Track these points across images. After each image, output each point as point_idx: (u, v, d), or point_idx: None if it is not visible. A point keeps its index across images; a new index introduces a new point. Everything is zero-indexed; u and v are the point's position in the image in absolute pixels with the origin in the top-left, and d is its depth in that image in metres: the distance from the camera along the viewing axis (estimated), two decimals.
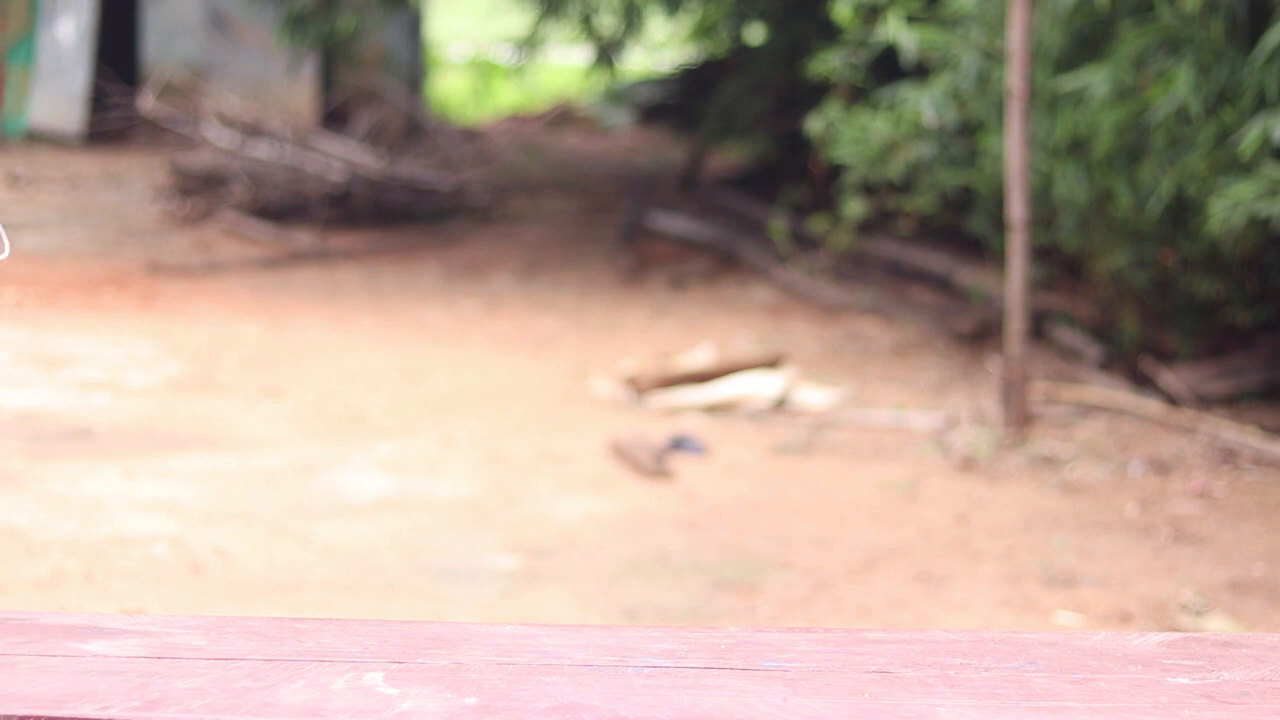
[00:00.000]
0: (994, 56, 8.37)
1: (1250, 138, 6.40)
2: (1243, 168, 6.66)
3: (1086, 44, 7.82)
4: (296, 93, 16.75)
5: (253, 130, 13.36)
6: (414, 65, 17.19)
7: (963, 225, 9.94)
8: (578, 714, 1.77)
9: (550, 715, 1.76)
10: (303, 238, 12.31)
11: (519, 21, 13.86)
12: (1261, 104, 6.63)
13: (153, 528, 5.65)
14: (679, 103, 15.32)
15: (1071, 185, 7.77)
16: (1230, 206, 6.51)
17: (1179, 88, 6.87)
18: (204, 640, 2.02)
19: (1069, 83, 7.51)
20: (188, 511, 5.86)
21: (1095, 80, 7.33)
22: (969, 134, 9.05)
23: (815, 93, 11.23)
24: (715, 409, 7.75)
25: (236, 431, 6.99)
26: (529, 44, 13.09)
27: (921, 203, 9.91)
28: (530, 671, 1.92)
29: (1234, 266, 7.65)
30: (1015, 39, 7.18)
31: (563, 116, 18.54)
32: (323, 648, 2.00)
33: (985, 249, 9.66)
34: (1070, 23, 7.73)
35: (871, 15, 9.75)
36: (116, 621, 2.12)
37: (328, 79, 17.25)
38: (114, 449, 6.67)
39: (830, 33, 10.68)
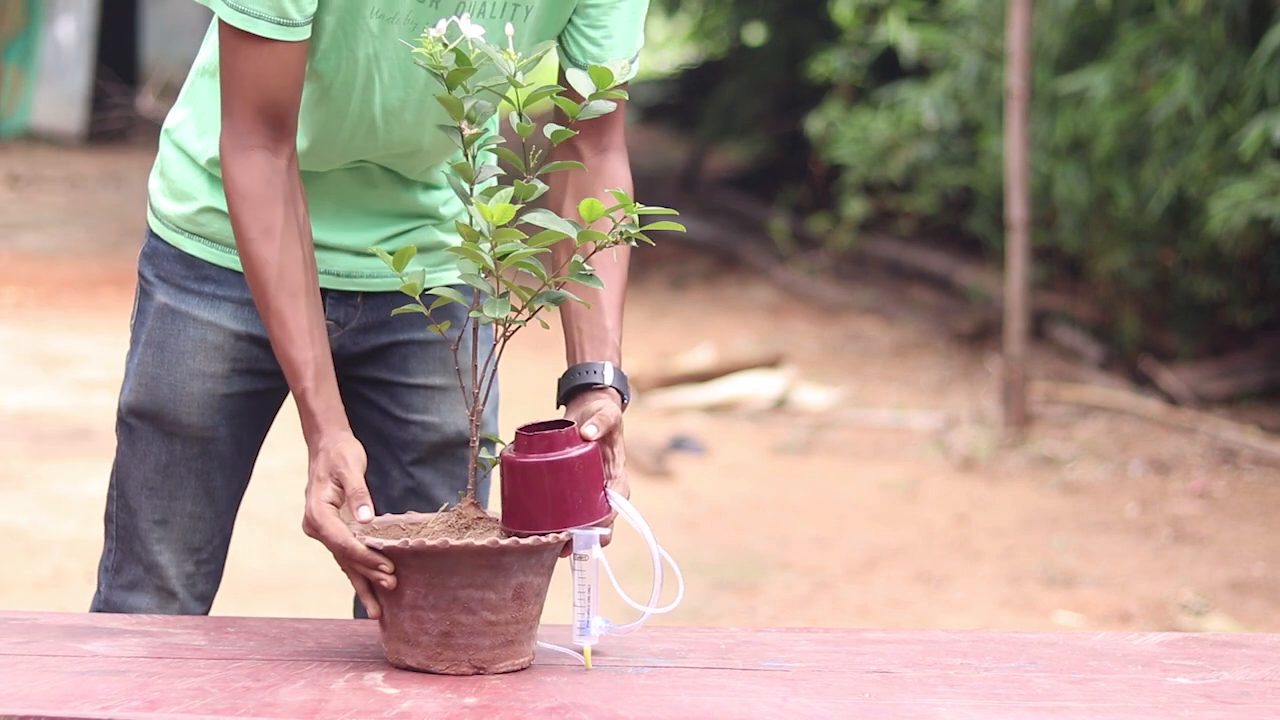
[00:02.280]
0: (994, 57, 8.37)
1: (1251, 138, 6.39)
2: (1243, 168, 6.66)
3: (1087, 44, 7.82)
4: None
5: None
6: None
7: (963, 225, 9.94)
8: (577, 714, 1.77)
9: (550, 715, 1.76)
10: None
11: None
12: (1262, 104, 6.63)
13: None
14: (679, 103, 15.32)
15: (1072, 185, 7.76)
16: (1231, 206, 6.50)
17: (1179, 88, 6.86)
18: (204, 640, 2.02)
19: (1070, 84, 7.50)
20: None
21: (1096, 81, 7.33)
22: (969, 134, 9.05)
23: (815, 93, 11.23)
24: (715, 409, 7.75)
25: None
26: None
27: (922, 203, 9.91)
28: (530, 671, 1.92)
29: (1234, 266, 7.65)
30: (1015, 39, 7.18)
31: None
32: (323, 648, 2.00)
33: (985, 249, 9.66)
34: (1071, 23, 7.72)
35: (872, 15, 9.75)
36: (116, 621, 2.12)
37: None
38: (114, 449, 6.66)
39: (830, 33, 10.68)
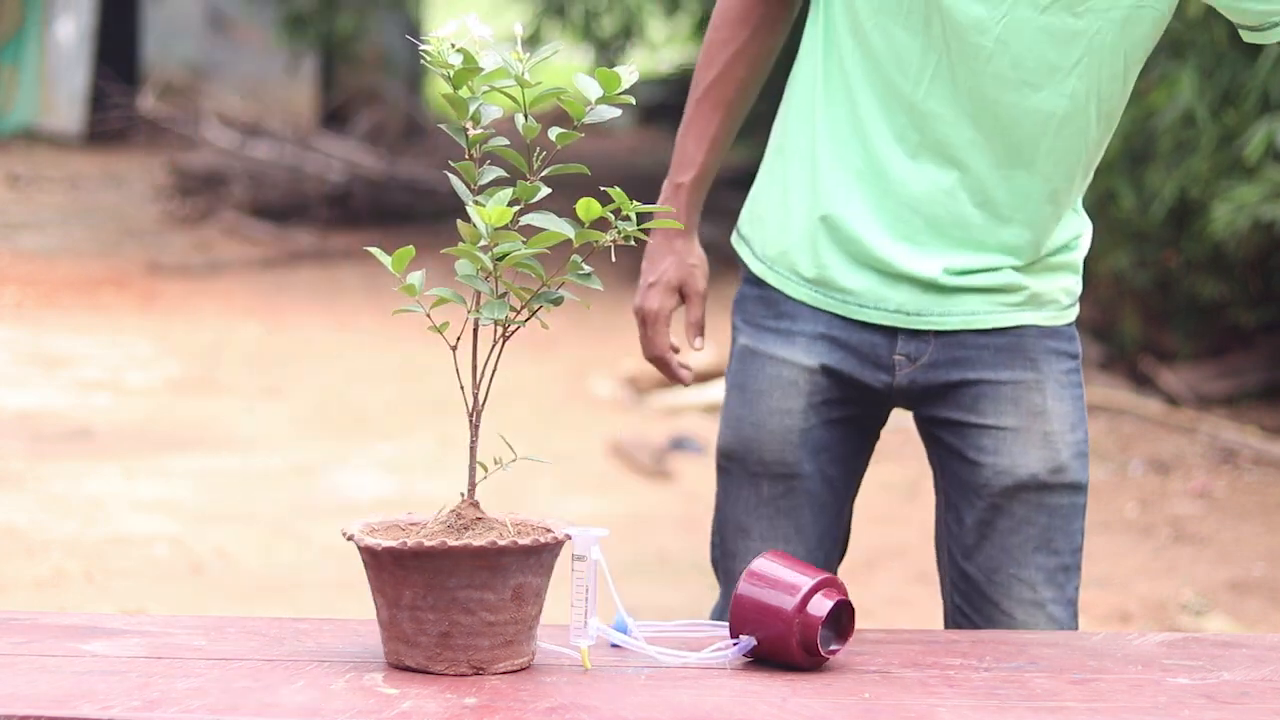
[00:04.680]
0: None
1: (1255, 143, 6.38)
2: (1245, 170, 6.66)
3: None
4: (296, 93, 16.75)
5: (253, 130, 13.36)
6: (414, 65, 17.20)
7: None
8: (577, 714, 1.77)
9: (550, 715, 1.76)
10: (303, 238, 12.30)
11: (519, 20, 13.84)
12: (1265, 107, 6.62)
13: (153, 528, 5.65)
14: (679, 103, 15.32)
15: None
16: (1235, 210, 6.49)
17: (1182, 90, 6.85)
18: (204, 640, 2.02)
19: None
20: (188, 511, 5.85)
21: None
22: None
23: None
24: (715, 409, 7.75)
25: (236, 431, 6.98)
26: (529, 44, 13.09)
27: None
28: (530, 671, 1.92)
29: (1237, 268, 7.64)
30: None
31: (563, 116, 18.47)
32: (323, 648, 2.00)
33: None
34: None
35: None
36: (116, 621, 2.11)
37: (328, 79, 17.24)
38: (114, 449, 6.67)
39: None
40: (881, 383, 2.35)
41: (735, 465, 2.38)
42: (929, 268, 2.29)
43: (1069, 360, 2.37)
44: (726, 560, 2.38)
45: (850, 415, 2.37)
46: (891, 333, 2.33)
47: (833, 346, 2.33)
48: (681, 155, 2.36)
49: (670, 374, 2.39)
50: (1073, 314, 2.39)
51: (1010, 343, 2.34)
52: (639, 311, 2.38)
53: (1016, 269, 2.32)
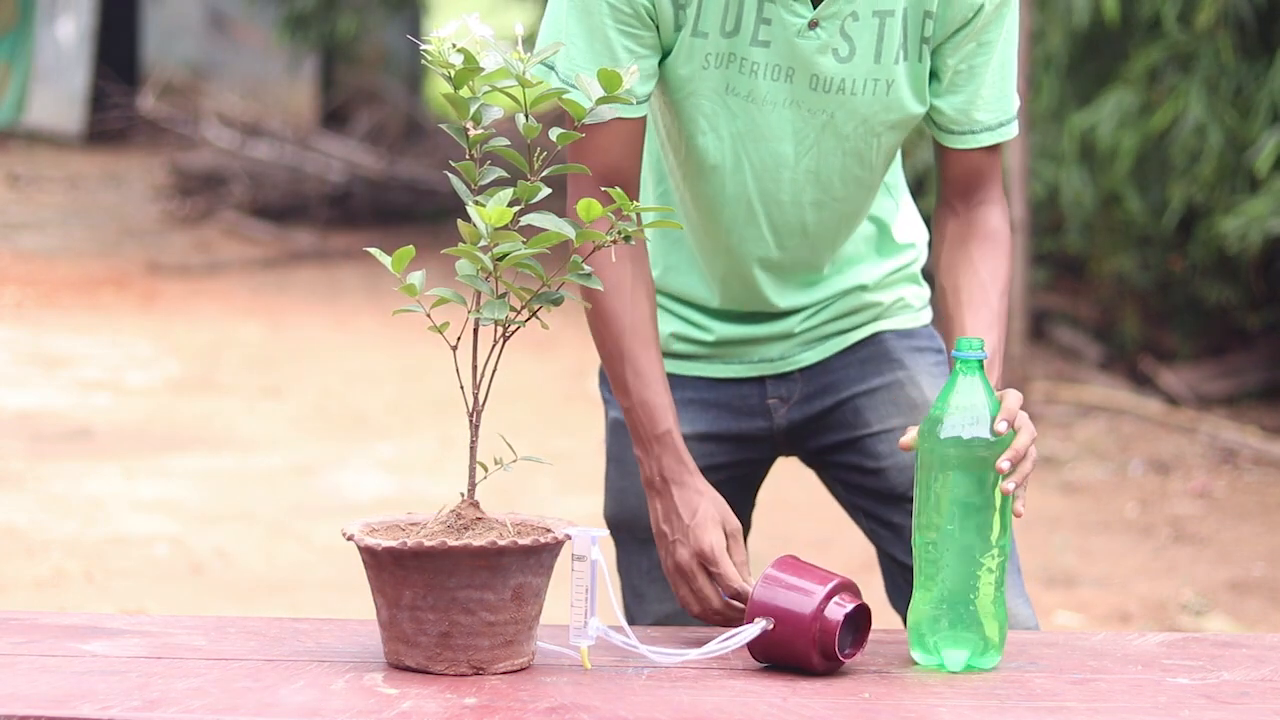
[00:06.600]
0: None
1: (1265, 154, 6.36)
2: (1251, 176, 6.65)
3: (1092, 47, 7.80)
4: (296, 93, 16.75)
5: (253, 130, 13.35)
6: (414, 65, 17.20)
7: None
8: (577, 714, 1.77)
9: (550, 715, 1.76)
10: (303, 238, 12.30)
11: (520, 20, 13.83)
12: (1276, 117, 6.60)
13: (153, 528, 5.65)
14: None
15: (1078, 190, 7.74)
16: (1246, 224, 6.46)
17: (1192, 104, 6.83)
18: (204, 640, 2.02)
19: (1083, 120, 7.42)
20: (188, 511, 5.85)
21: (1107, 109, 7.26)
22: None
23: None
24: None
25: (236, 431, 6.98)
26: (530, 44, 13.07)
27: (923, 205, 9.90)
28: (530, 671, 1.92)
29: (1242, 272, 7.63)
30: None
31: (564, 116, 18.46)
32: (323, 648, 2.00)
33: None
34: (1076, 32, 7.70)
35: None
36: (116, 621, 2.11)
37: (328, 79, 17.23)
38: (114, 449, 6.67)
39: None
40: (760, 429, 2.39)
41: (624, 534, 2.40)
42: (785, 328, 2.36)
43: (934, 354, 2.41)
44: (640, 616, 2.39)
45: (733, 468, 2.38)
46: (759, 380, 2.37)
47: (704, 408, 2.35)
48: (645, 408, 2.16)
49: (730, 616, 2.12)
50: (927, 316, 2.45)
51: (872, 352, 2.38)
52: (696, 556, 2.13)
53: (861, 291, 2.38)
